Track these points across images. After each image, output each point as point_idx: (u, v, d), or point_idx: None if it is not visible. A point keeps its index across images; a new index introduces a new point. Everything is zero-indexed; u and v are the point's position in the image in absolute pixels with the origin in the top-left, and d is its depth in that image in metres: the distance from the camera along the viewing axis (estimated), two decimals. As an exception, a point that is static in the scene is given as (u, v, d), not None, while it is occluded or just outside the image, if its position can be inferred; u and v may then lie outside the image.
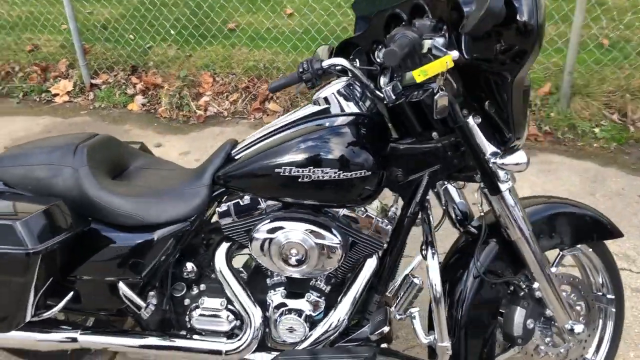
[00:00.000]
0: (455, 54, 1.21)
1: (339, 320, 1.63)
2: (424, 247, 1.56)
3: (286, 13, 4.38)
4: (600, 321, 1.83)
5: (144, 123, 3.62)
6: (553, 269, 1.62)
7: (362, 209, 1.59)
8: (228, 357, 1.68)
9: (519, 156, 1.40)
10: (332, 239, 1.54)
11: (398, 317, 1.59)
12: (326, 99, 1.52)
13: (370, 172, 1.45)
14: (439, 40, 1.26)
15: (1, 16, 4.56)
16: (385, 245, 1.57)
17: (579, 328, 1.61)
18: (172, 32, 3.99)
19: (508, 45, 1.25)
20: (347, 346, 1.64)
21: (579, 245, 1.71)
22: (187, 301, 1.74)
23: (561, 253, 1.70)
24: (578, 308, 1.69)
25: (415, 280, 1.57)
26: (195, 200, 1.62)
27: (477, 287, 1.56)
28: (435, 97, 1.29)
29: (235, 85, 3.71)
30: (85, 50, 3.96)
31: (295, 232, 1.53)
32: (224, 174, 1.58)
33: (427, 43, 1.26)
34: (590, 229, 1.68)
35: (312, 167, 1.46)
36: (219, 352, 1.68)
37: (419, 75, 1.22)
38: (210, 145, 3.19)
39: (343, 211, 1.58)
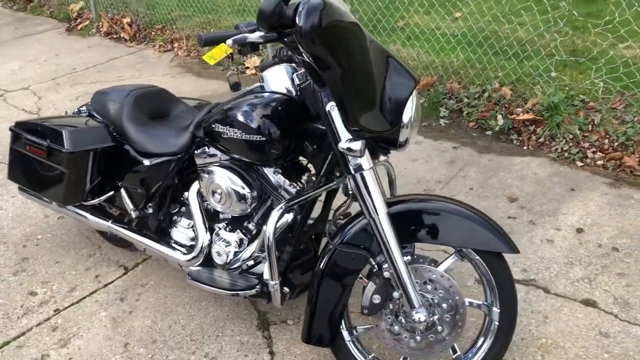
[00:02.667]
0: (229, 42, 1.58)
1: (247, 256, 2.09)
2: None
3: (456, 17, 4.60)
4: (485, 331, 1.90)
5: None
6: (446, 264, 1.82)
7: (278, 170, 2.01)
8: (183, 264, 2.27)
9: (356, 144, 1.67)
10: (244, 188, 2.01)
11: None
12: (262, 77, 1.97)
13: (264, 138, 1.87)
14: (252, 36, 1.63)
15: None
16: (288, 203, 1.87)
17: (419, 317, 1.76)
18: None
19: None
20: (240, 274, 2.09)
21: (464, 250, 1.84)
22: (174, 217, 2.38)
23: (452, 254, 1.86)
24: (445, 305, 1.82)
25: None
26: (181, 141, 2.22)
27: (336, 254, 1.84)
28: (227, 75, 1.68)
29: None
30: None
31: (220, 177, 2.04)
32: (194, 126, 2.16)
33: (251, 37, 1.64)
34: (476, 237, 1.79)
35: (228, 127, 1.94)
36: (177, 260, 2.28)
37: (209, 58, 1.62)
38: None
39: (264, 169, 2.03)
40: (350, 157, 1.73)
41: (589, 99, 3.44)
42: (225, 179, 2.03)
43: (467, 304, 1.84)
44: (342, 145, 1.69)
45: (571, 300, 2.28)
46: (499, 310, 1.86)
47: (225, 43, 1.66)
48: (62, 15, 7.25)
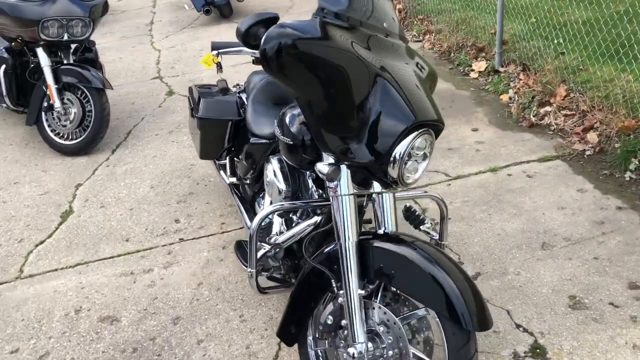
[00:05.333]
0: (213, 52, 1.77)
1: (282, 241, 2.31)
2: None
3: None
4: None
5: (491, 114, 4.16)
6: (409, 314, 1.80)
7: (312, 175, 2.18)
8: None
9: (325, 168, 1.76)
10: (281, 183, 2.23)
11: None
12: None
13: (297, 143, 2.05)
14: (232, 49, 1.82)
15: None
16: (277, 205, 2.05)
17: (353, 352, 1.76)
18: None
19: None
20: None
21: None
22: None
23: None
24: (390, 353, 1.80)
25: None
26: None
27: (309, 268, 1.94)
28: (216, 81, 1.87)
29: (577, 105, 3.72)
30: (503, 42, 4.60)
31: (270, 168, 2.31)
32: None
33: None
34: (438, 299, 1.71)
35: (277, 127, 2.17)
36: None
37: (204, 63, 1.83)
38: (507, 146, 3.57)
39: (304, 171, 2.21)
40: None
41: None
42: (271, 171, 2.26)
43: (411, 357, 1.76)
44: (318, 166, 1.77)
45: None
46: None
47: (211, 52, 1.88)
48: None
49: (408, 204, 2.33)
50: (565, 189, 3.15)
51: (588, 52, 4.00)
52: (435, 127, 1.84)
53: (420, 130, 1.74)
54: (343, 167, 1.81)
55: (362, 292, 1.79)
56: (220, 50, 1.91)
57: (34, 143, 4.49)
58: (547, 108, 3.87)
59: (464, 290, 1.68)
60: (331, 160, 1.80)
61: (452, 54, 5.25)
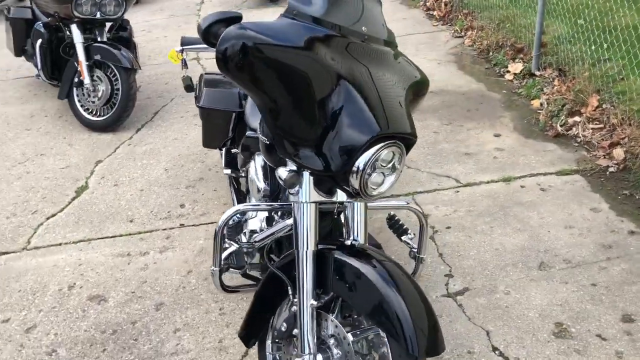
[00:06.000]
0: (177, 48, 1.74)
1: (256, 240, 2.28)
2: None
3: None
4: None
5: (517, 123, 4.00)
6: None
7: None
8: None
9: (283, 173, 1.73)
10: (261, 182, 2.23)
11: None
12: None
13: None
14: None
15: None
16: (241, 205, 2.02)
17: None
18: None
19: None
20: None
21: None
22: None
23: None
24: None
25: None
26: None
27: (271, 274, 1.92)
28: (181, 77, 1.85)
29: (608, 117, 3.53)
30: (542, 44, 4.40)
31: (252, 165, 2.30)
32: None
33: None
34: (386, 318, 1.66)
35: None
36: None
37: (170, 58, 1.81)
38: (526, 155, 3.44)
39: None
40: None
41: None
42: (253, 169, 2.25)
43: (357, 376, 1.72)
44: (278, 171, 1.75)
45: None
46: None
47: (174, 49, 1.86)
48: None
49: (392, 213, 2.27)
50: (577, 207, 2.99)
51: (637, 61, 3.74)
52: (406, 139, 1.77)
53: (387, 142, 1.67)
54: (305, 174, 1.77)
55: (315, 302, 1.76)
56: (184, 47, 1.90)
57: (66, 117, 4.63)
58: (577, 118, 3.68)
59: (416, 313, 1.62)
60: (293, 167, 1.76)
61: (491, 53, 5.06)
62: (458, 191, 3.24)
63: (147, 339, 2.41)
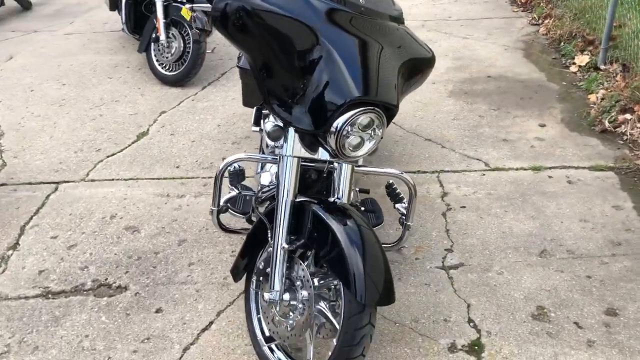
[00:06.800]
0: (187, 5, 1.94)
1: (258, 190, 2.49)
2: None
3: None
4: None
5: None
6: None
7: None
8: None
9: (269, 125, 1.93)
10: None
11: None
12: None
13: None
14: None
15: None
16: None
17: (268, 297, 1.95)
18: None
19: None
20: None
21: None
22: None
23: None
24: (300, 306, 1.96)
25: None
26: None
27: (259, 220, 2.12)
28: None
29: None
30: (611, 37, 4.24)
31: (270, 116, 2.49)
32: None
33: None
34: (342, 268, 1.83)
35: None
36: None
37: (184, 14, 2.02)
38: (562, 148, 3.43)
39: None
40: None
41: None
42: (268, 123, 2.45)
43: (317, 313, 1.91)
44: (265, 124, 1.94)
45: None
46: (338, 328, 1.86)
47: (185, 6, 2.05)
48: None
49: (391, 181, 2.41)
50: (600, 203, 2.97)
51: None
52: (390, 110, 1.90)
53: (366, 108, 1.81)
54: (291, 130, 1.95)
55: (287, 246, 1.95)
56: (193, 5, 2.11)
57: (144, 69, 5.04)
58: (627, 115, 3.57)
59: (371, 268, 1.78)
60: (279, 122, 1.94)
61: (562, 43, 4.92)
62: (484, 174, 3.28)
63: (164, 268, 2.71)
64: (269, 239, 2.03)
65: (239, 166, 2.28)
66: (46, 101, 4.60)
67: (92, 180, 3.48)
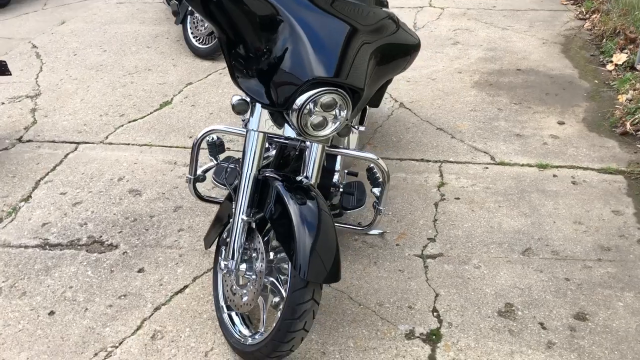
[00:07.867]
0: None
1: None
2: None
3: None
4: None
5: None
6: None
7: None
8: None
9: (235, 99, 1.98)
10: None
11: None
12: None
13: None
14: None
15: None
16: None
17: (225, 264, 2.04)
18: None
19: None
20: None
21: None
22: None
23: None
24: (253, 276, 2.03)
25: None
26: None
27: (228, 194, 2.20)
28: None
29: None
30: (651, 36, 4.04)
31: None
32: None
33: None
34: (291, 244, 1.88)
35: None
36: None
37: None
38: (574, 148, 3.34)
39: None
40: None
41: None
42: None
43: (271, 286, 1.98)
44: (232, 98, 2.00)
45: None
46: (284, 296, 1.92)
47: None
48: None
49: (372, 165, 2.42)
50: (600, 206, 2.87)
51: None
52: (356, 93, 1.92)
53: (327, 88, 1.84)
54: (257, 106, 1.99)
55: (246, 218, 2.01)
56: None
57: (182, 41, 5.19)
58: (649, 117, 3.41)
59: (320, 248, 1.82)
60: (247, 98, 1.99)
61: (605, 40, 4.72)
62: (487, 168, 3.23)
63: (155, 231, 2.83)
64: (233, 211, 2.10)
65: (218, 137, 2.35)
66: (85, 65, 4.82)
67: (110, 144, 3.64)
